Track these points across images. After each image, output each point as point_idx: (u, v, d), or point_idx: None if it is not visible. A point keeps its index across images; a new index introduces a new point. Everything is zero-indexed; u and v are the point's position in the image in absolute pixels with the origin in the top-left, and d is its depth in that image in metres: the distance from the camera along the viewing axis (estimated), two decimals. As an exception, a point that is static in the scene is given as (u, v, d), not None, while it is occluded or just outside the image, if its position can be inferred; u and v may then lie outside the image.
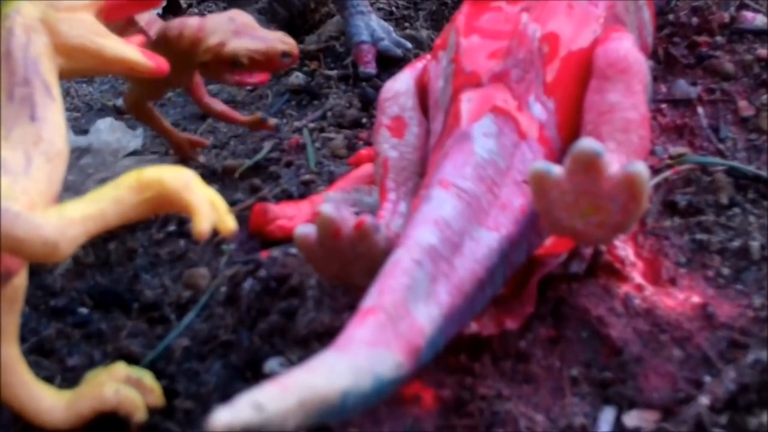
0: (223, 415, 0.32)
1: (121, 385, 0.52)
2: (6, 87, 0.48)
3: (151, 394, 0.52)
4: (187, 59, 0.69)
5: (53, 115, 0.48)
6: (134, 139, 0.84)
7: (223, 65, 0.69)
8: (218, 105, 0.78)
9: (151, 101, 0.76)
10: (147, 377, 0.53)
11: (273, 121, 0.78)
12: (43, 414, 0.51)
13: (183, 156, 0.79)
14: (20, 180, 0.45)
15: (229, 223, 0.44)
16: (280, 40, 0.69)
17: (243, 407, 0.33)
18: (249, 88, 0.93)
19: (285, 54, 0.68)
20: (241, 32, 0.68)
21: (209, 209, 0.44)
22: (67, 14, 0.50)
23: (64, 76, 0.51)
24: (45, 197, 0.46)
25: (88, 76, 1.00)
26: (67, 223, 0.42)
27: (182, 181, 0.44)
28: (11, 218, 0.42)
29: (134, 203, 0.44)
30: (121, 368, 0.53)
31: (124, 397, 0.51)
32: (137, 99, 0.76)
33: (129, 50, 0.52)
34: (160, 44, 0.68)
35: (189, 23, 0.69)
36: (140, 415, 0.51)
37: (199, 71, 0.72)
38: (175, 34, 0.68)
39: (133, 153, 0.82)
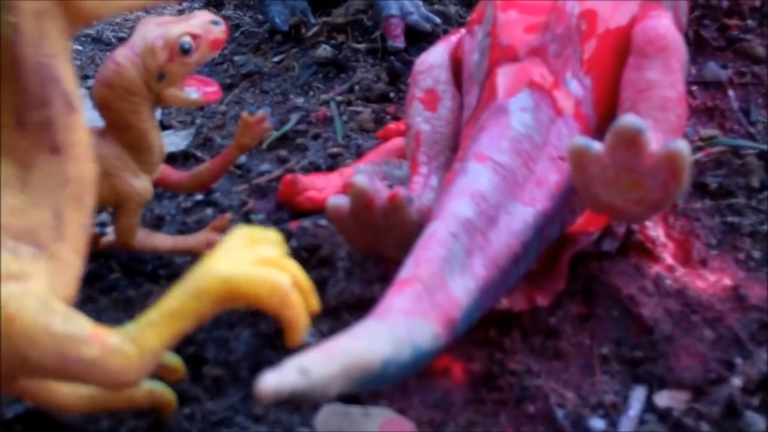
0: (270, 378, 0.32)
1: (153, 384, 0.49)
2: (14, 110, 0.38)
3: (175, 373, 0.51)
4: (143, 89, 0.56)
5: (77, 134, 0.39)
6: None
7: (176, 61, 0.56)
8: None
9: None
10: (167, 356, 0.50)
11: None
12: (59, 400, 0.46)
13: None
14: (53, 248, 0.38)
15: (314, 304, 0.41)
16: (201, 15, 0.58)
17: (289, 372, 0.33)
18: (276, 59, 0.93)
19: (215, 22, 0.57)
20: (164, 23, 0.57)
21: (304, 319, 0.40)
22: None
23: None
24: (78, 250, 0.40)
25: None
26: (149, 360, 0.38)
27: (279, 298, 0.38)
28: (85, 367, 0.36)
29: (216, 311, 0.39)
30: None
31: (158, 397, 0.49)
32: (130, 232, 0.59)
33: None
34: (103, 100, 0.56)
35: (107, 63, 0.56)
36: (172, 408, 0.50)
37: (157, 98, 0.57)
38: (113, 71, 0.54)
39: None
